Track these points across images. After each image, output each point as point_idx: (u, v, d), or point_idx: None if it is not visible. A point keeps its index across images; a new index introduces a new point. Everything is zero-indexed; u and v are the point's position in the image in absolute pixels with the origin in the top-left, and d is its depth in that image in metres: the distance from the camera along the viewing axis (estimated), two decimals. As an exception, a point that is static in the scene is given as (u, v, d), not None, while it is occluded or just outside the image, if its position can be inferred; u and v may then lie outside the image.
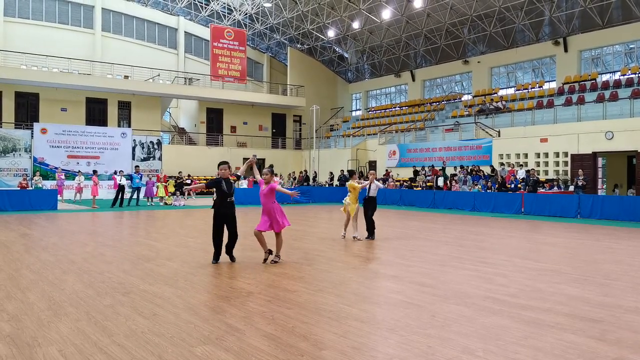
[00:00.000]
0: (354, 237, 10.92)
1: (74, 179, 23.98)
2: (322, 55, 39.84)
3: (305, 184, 29.37)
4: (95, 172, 21.94)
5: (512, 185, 20.55)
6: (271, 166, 9.74)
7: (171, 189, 23.13)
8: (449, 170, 24.36)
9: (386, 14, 31.76)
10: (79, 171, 24.99)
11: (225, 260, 8.24)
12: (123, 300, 5.68)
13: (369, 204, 11.30)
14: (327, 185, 29.81)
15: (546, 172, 22.27)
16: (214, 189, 8.27)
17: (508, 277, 7.06)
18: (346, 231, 11.36)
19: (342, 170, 29.54)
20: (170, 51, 37.28)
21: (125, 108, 33.19)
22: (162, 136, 32.44)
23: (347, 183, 11.54)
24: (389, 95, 39.17)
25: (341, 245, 10.32)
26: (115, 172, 24.59)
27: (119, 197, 21.04)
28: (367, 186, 11.30)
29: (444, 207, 21.03)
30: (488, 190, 20.73)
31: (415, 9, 30.40)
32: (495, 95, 29.76)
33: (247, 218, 16.60)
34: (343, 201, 11.40)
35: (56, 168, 25.38)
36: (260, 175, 8.19)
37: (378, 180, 18.14)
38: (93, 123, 31.02)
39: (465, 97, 32.76)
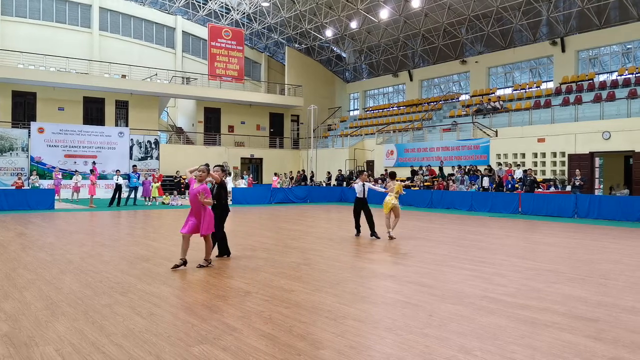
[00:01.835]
0: (389, 233, 11.03)
1: (71, 179, 23.93)
2: (320, 55, 39.83)
3: (302, 183, 29.36)
4: (92, 171, 21.91)
5: (510, 185, 20.58)
6: (210, 165, 8.06)
7: (154, 192, 22.80)
8: (447, 170, 24.38)
9: (384, 13, 31.77)
10: (76, 170, 24.94)
11: (225, 259, 8.28)
12: (121, 299, 5.67)
13: (364, 204, 11.51)
14: (324, 185, 29.79)
15: (543, 172, 22.32)
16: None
17: (506, 277, 7.08)
18: (391, 229, 11.13)
19: (340, 170, 29.55)
20: (167, 50, 37.23)
21: (122, 107, 33.12)
22: (160, 136, 32.40)
23: (392, 184, 11.59)
24: (387, 95, 39.19)
25: (339, 244, 10.32)
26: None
27: (117, 196, 21.03)
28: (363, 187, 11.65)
29: (441, 207, 21.05)
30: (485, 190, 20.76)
31: (413, 8, 30.40)
32: (493, 95, 29.79)
33: (246, 218, 16.60)
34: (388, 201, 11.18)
35: (53, 167, 25.33)
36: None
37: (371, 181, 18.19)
38: (90, 122, 30.94)
39: (462, 97, 32.78)
